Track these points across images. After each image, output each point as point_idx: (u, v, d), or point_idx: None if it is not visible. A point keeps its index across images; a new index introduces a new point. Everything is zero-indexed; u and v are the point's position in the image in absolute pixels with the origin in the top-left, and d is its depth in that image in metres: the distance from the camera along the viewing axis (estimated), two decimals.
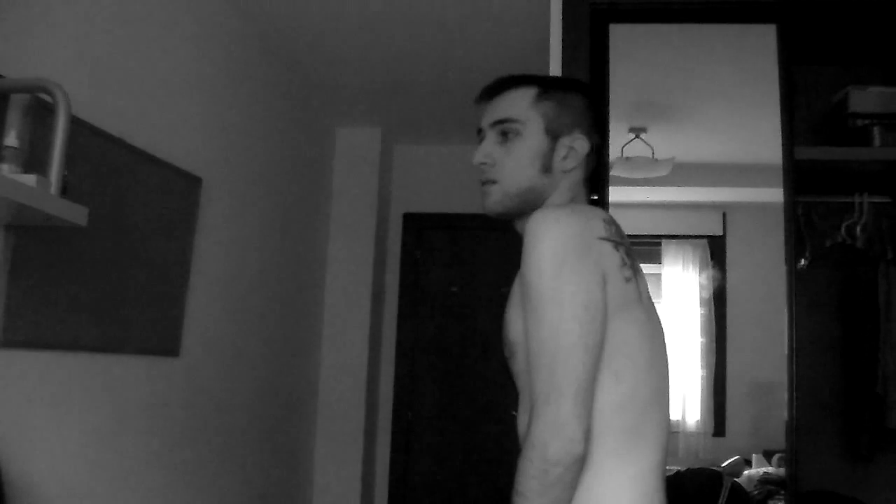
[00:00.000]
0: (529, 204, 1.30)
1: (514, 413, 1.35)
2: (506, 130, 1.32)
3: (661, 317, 1.34)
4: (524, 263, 1.17)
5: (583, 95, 1.39)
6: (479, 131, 1.37)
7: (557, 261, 1.14)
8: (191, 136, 2.56)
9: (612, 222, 1.25)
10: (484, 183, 1.33)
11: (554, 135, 1.32)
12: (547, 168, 1.32)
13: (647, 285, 1.31)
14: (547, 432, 1.09)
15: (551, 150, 1.32)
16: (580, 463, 1.12)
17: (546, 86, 1.35)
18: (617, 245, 1.22)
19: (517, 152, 1.32)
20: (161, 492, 2.42)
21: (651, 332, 1.27)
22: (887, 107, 2.22)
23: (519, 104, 1.33)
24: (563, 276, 1.14)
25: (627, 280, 1.21)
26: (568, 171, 1.34)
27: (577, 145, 1.33)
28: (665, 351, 1.32)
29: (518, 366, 1.28)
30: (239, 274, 2.97)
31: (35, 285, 1.82)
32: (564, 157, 1.33)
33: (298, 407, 3.73)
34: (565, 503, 1.12)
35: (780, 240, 2.07)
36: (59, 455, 1.93)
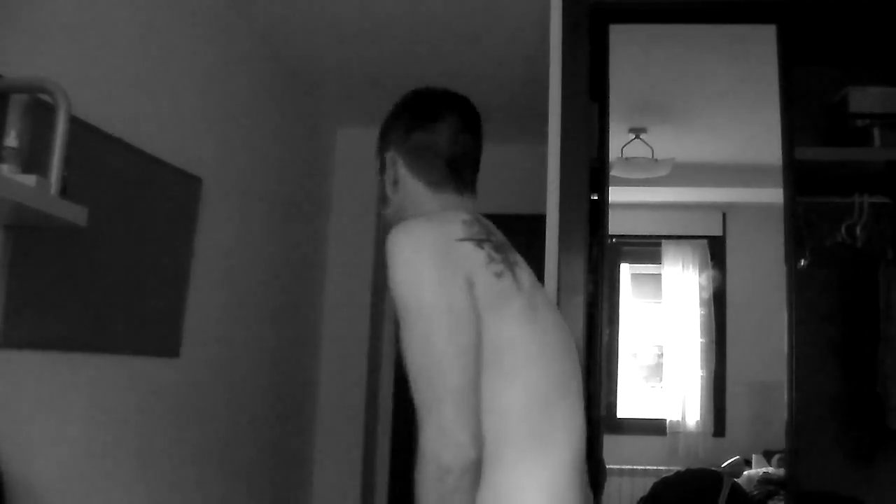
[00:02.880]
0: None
1: None
2: (378, 170, 1.51)
3: (551, 306, 1.36)
4: (389, 284, 1.20)
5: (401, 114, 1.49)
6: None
7: (414, 271, 1.16)
8: (191, 136, 2.56)
9: (473, 222, 1.27)
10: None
11: (381, 165, 1.49)
12: (383, 198, 1.48)
13: (531, 277, 1.30)
14: (434, 441, 1.09)
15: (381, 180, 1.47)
16: (475, 467, 1.11)
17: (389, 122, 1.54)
18: (480, 243, 1.23)
19: (386, 183, 1.48)
20: (161, 492, 2.42)
21: (542, 327, 1.26)
22: (887, 107, 2.22)
23: (377, 147, 1.54)
24: (423, 285, 1.15)
25: (498, 275, 1.21)
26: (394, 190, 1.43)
27: (394, 160, 1.43)
28: (565, 343, 1.30)
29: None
30: (239, 274, 2.97)
31: (35, 285, 1.82)
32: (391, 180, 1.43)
33: (298, 407, 3.73)
34: None
35: (780, 240, 2.07)
36: (59, 455, 1.93)
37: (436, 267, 1.16)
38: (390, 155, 1.42)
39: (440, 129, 1.38)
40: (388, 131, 1.46)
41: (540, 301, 1.29)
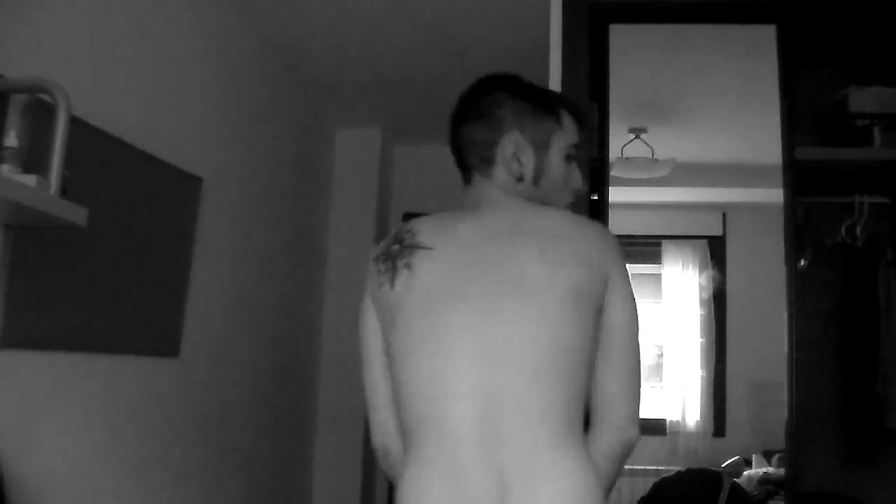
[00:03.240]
0: None
1: None
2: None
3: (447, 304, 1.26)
4: None
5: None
6: (578, 148, 1.43)
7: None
8: (191, 136, 2.56)
9: (399, 233, 1.35)
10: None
11: None
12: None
13: (428, 273, 1.27)
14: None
15: None
16: (387, 454, 1.34)
17: None
18: (377, 259, 1.34)
19: None
20: (161, 492, 2.42)
21: (418, 331, 1.26)
22: (887, 107, 2.22)
23: None
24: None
25: (381, 285, 1.31)
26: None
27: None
28: (440, 341, 1.25)
29: None
30: (239, 274, 2.97)
31: (35, 285, 1.82)
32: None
33: (298, 407, 3.73)
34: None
35: (780, 240, 2.07)
36: (59, 455, 1.93)
37: (366, 299, 1.36)
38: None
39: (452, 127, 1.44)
40: None
41: (442, 297, 1.25)
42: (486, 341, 1.22)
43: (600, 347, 1.25)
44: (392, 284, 1.29)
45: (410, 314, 1.26)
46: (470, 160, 1.40)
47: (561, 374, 1.21)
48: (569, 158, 1.41)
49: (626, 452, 1.26)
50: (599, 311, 1.25)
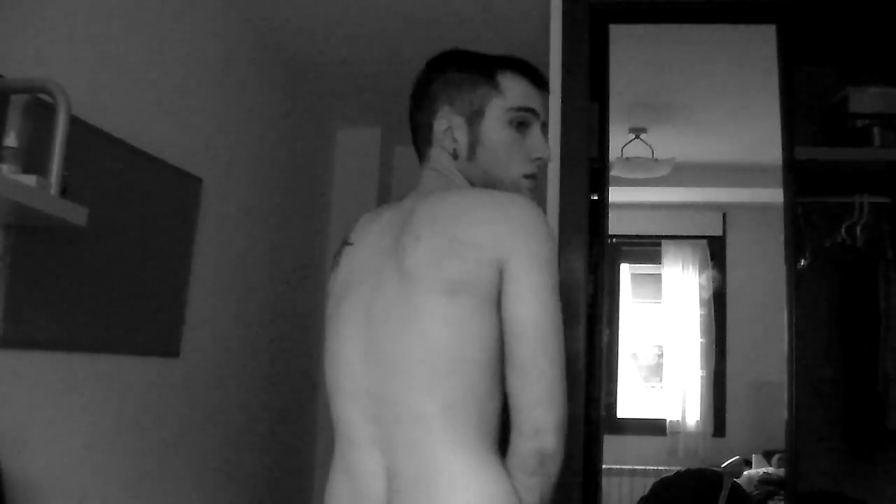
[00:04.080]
0: None
1: None
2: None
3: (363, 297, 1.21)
4: None
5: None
6: (531, 112, 1.29)
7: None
8: (191, 136, 2.56)
9: (367, 220, 1.32)
10: (534, 177, 1.30)
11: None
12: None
13: (345, 268, 1.25)
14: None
15: None
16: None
17: None
18: (339, 250, 1.31)
19: None
20: (161, 492, 2.42)
21: (329, 315, 1.27)
22: (887, 107, 2.22)
23: None
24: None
25: (329, 281, 1.30)
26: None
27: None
28: (335, 341, 1.22)
29: None
30: (239, 274, 2.97)
31: (35, 285, 1.82)
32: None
33: (299, 407, 3.73)
34: None
35: (780, 240, 2.07)
36: (59, 455, 1.93)
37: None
38: None
39: None
40: None
41: (348, 293, 1.23)
42: (371, 342, 1.16)
43: (505, 347, 1.11)
44: (332, 281, 1.29)
45: (327, 313, 1.27)
46: (416, 147, 1.35)
47: (439, 378, 1.10)
48: (519, 124, 1.27)
49: (545, 463, 1.08)
50: (497, 304, 1.11)
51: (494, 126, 1.26)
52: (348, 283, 1.24)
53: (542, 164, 1.29)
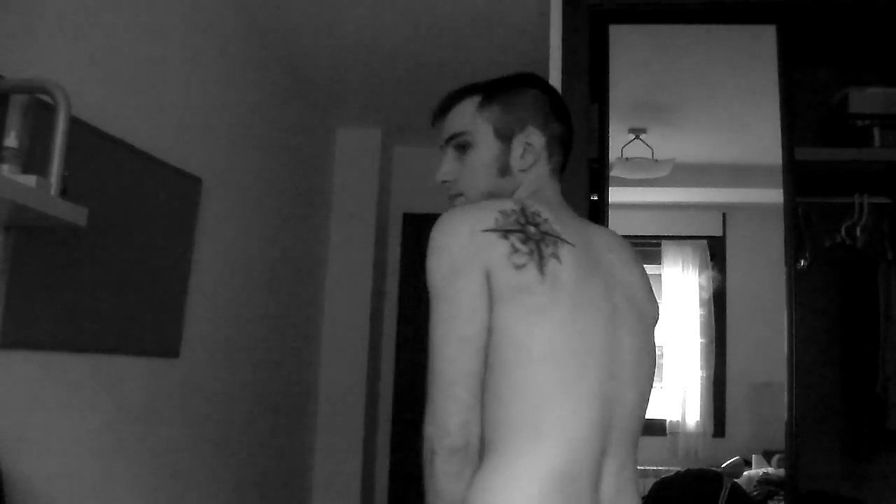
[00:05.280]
0: None
1: None
2: (460, 144, 1.36)
3: (602, 305, 1.23)
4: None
5: (532, 87, 1.39)
6: (441, 149, 1.41)
7: (439, 259, 1.19)
8: (191, 136, 2.57)
9: (510, 213, 1.21)
10: (451, 197, 1.38)
11: (506, 136, 1.34)
12: (505, 170, 1.34)
13: (574, 269, 1.20)
14: (428, 424, 1.16)
15: (506, 152, 1.34)
16: (460, 454, 1.14)
17: (489, 91, 1.37)
18: (507, 234, 1.18)
19: (472, 163, 1.35)
20: (161, 492, 2.42)
21: (562, 319, 1.18)
22: (887, 107, 2.22)
23: (465, 116, 1.36)
24: (445, 273, 1.18)
25: (518, 267, 1.16)
26: (529, 167, 1.34)
27: (533, 140, 1.34)
28: (592, 343, 1.20)
29: None
30: (239, 274, 2.97)
31: (35, 285, 1.82)
32: (522, 156, 1.34)
33: (298, 407, 3.73)
34: (455, 495, 1.13)
35: (780, 240, 2.07)
36: (59, 455, 1.93)
37: (452, 256, 1.18)
38: (526, 134, 1.36)
39: None
40: (519, 109, 1.38)
41: (587, 300, 1.21)
42: (610, 355, 1.22)
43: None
44: (541, 271, 1.17)
45: (563, 312, 1.17)
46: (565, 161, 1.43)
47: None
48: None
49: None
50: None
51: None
52: (576, 284, 1.20)
53: (447, 186, 1.39)
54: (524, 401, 1.15)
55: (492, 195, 1.32)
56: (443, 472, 1.14)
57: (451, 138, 1.37)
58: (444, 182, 1.38)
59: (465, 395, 1.15)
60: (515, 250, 1.17)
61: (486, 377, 1.17)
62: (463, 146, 1.36)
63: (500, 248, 1.17)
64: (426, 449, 1.16)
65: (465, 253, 1.18)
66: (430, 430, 1.15)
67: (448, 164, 1.38)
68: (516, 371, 1.15)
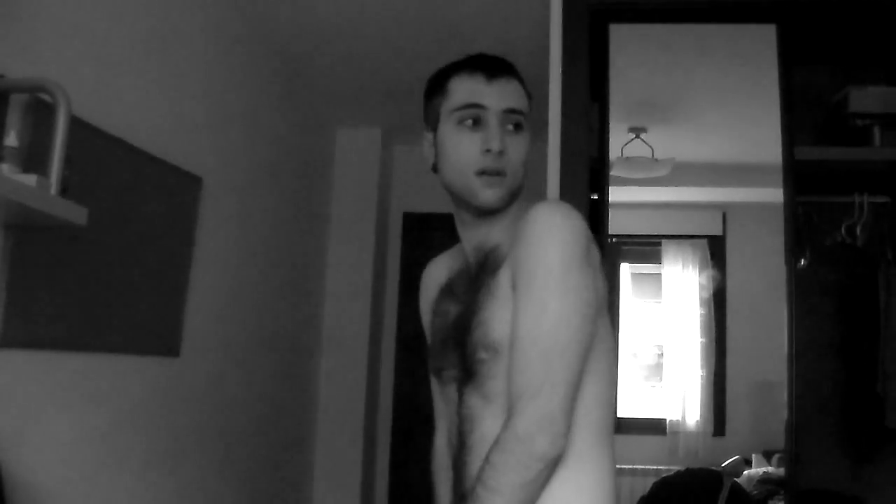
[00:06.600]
0: (513, 202, 1.28)
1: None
2: (518, 122, 1.25)
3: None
4: (528, 255, 1.13)
5: None
6: (476, 107, 1.24)
7: (567, 255, 1.12)
8: (191, 136, 2.57)
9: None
10: (495, 173, 1.23)
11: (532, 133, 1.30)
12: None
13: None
14: (535, 426, 1.07)
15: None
16: (558, 460, 1.10)
17: (523, 82, 1.32)
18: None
19: (523, 147, 1.26)
20: (161, 492, 2.42)
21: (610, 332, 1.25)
22: (887, 107, 2.22)
23: (523, 96, 1.29)
24: (572, 270, 1.12)
25: (597, 270, 1.19)
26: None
27: None
28: None
29: (498, 367, 1.18)
30: (239, 274, 2.97)
31: (35, 285, 1.82)
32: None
33: (298, 407, 3.73)
34: (534, 500, 1.10)
35: (780, 240, 2.07)
36: (59, 455, 1.93)
37: (584, 257, 1.14)
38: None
39: None
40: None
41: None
42: None
43: None
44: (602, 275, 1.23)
45: (605, 310, 1.23)
46: None
47: None
48: (474, 122, 1.23)
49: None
50: None
51: (445, 131, 1.26)
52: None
53: (497, 157, 1.22)
54: (607, 415, 1.20)
55: (520, 189, 1.28)
56: (542, 479, 1.09)
57: (514, 112, 1.25)
58: (501, 153, 1.22)
59: (575, 400, 1.11)
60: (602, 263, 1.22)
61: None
62: (518, 125, 1.25)
63: (599, 258, 1.20)
64: (525, 453, 1.06)
65: (588, 245, 1.16)
66: (539, 433, 1.06)
67: (505, 135, 1.24)
68: (604, 377, 1.18)
